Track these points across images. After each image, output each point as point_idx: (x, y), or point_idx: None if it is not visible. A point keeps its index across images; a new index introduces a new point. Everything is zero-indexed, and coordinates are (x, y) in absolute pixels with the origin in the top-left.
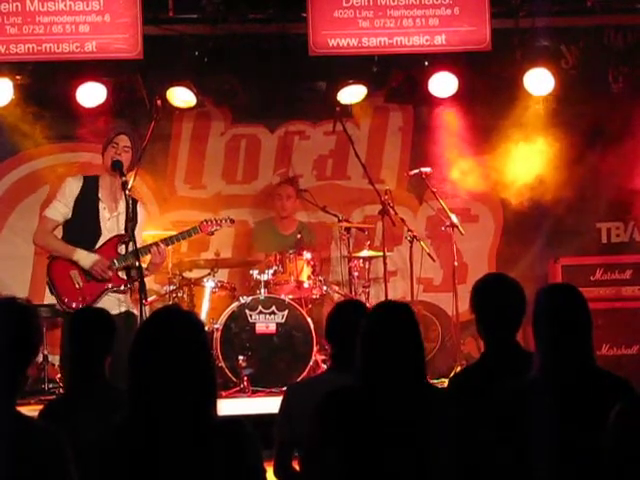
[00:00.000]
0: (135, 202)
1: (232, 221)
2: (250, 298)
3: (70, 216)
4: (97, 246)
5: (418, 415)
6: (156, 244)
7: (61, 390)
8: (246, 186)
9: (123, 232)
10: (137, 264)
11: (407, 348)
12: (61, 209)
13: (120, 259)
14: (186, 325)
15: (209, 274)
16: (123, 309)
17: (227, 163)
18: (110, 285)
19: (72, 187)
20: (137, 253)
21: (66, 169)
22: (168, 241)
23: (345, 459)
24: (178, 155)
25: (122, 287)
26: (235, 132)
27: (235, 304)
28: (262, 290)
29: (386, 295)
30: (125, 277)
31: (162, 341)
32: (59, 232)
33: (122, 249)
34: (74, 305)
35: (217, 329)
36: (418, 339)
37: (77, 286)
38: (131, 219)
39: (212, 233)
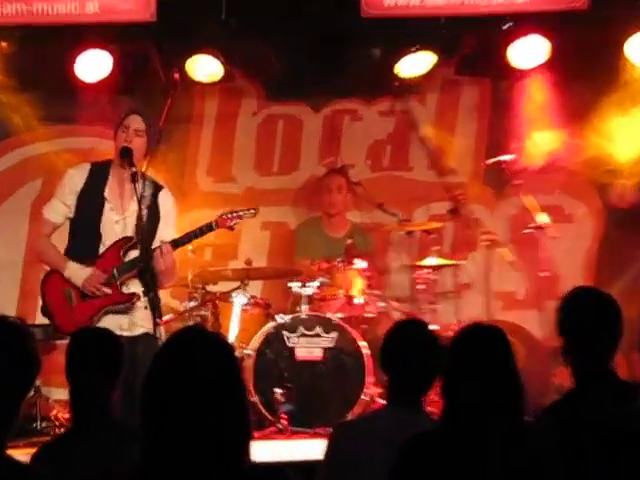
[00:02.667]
0: (157, 189)
1: (255, 211)
2: (289, 317)
3: (73, 215)
4: (100, 253)
5: (523, 463)
6: (158, 246)
7: (57, 430)
8: (285, 178)
9: (130, 235)
10: (147, 274)
11: (506, 384)
12: (60, 209)
13: (122, 268)
14: (211, 350)
15: (238, 287)
16: (140, 331)
17: (261, 150)
18: (108, 303)
19: (73, 180)
20: (146, 259)
21: (63, 158)
22: (178, 242)
23: None
24: (200, 140)
25: (124, 304)
26: (270, 112)
27: (271, 324)
28: (304, 307)
29: (458, 313)
30: (135, 290)
31: (181, 370)
32: (64, 235)
33: (129, 256)
34: (67, 329)
35: (249, 355)
36: (517, 375)
37: (71, 305)
38: (143, 218)
39: (232, 227)
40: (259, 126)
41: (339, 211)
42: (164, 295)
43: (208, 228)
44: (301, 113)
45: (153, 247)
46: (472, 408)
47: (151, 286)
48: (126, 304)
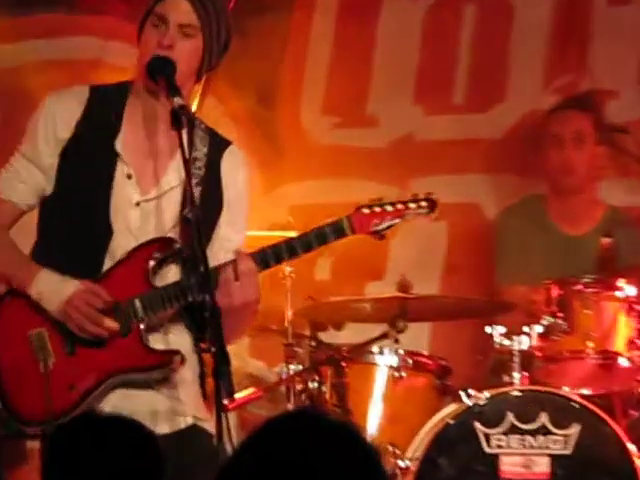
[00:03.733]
0: (220, 145)
1: (432, 204)
2: (486, 394)
3: (51, 191)
4: (106, 268)
5: None
6: (228, 262)
7: None
8: (473, 119)
9: (170, 234)
10: (204, 314)
11: None
12: (30, 177)
13: (152, 299)
14: (338, 460)
15: (385, 336)
16: (186, 422)
17: (427, 65)
18: (122, 366)
19: (56, 119)
20: (202, 284)
21: (38, 75)
22: (270, 256)
23: None
24: (309, 45)
25: (153, 371)
26: None
27: (450, 408)
28: (516, 375)
29: None
30: (177, 345)
31: None
32: (32, 228)
33: (164, 276)
34: (38, 417)
35: (407, 469)
36: None
37: (45, 368)
38: (196, 201)
39: (381, 235)
40: (426, 18)
41: (581, 184)
42: (237, 352)
43: (335, 232)
44: None
45: (216, 262)
46: None
47: (213, 337)
48: (157, 371)
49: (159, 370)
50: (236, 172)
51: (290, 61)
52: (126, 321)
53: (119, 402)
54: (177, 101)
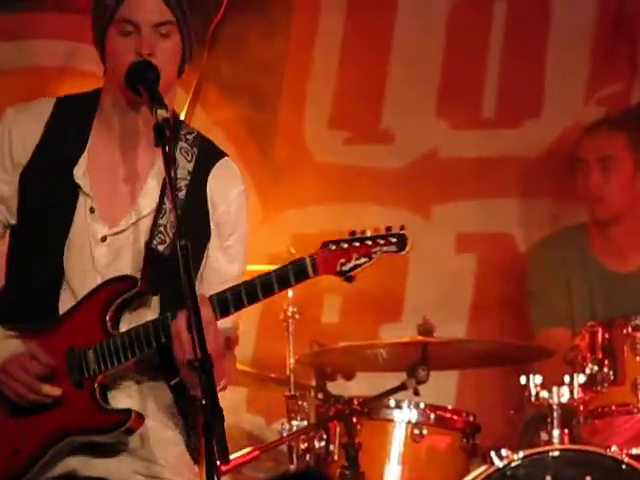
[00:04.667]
0: (209, 159)
1: (402, 240)
2: (521, 455)
3: (14, 220)
4: (65, 310)
5: None
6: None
7: None
8: (505, 135)
9: (138, 274)
10: (201, 358)
11: None
12: None
13: (108, 350)
14: None
15: (402, 387)
16: None
17: (452, 72)
18: (75, 426)
19: (16, 137)
20: (197, 323)
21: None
22: (231, 299)
23: None
24: (314, 47)
25: (111, 432)
26: None
27: (479, 472)
28: (556, 432)
29: None
30: (132, 402)
31: None
32: None
33: (130, 321)
34: None
35: None
36: None
37: None
38: (182, 220)
39: (349, 277)
40: (450, 16)
41: (617, 213)
42: (232, 406)
43: (297, 274)
44: None
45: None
46: None
47: (203, 388)
48: (109, 434)
49: (110, 433)
50: (227, 189)
51: (292, 67)
52: (79, 373)
53: (80, 468)
54: (161, 114)
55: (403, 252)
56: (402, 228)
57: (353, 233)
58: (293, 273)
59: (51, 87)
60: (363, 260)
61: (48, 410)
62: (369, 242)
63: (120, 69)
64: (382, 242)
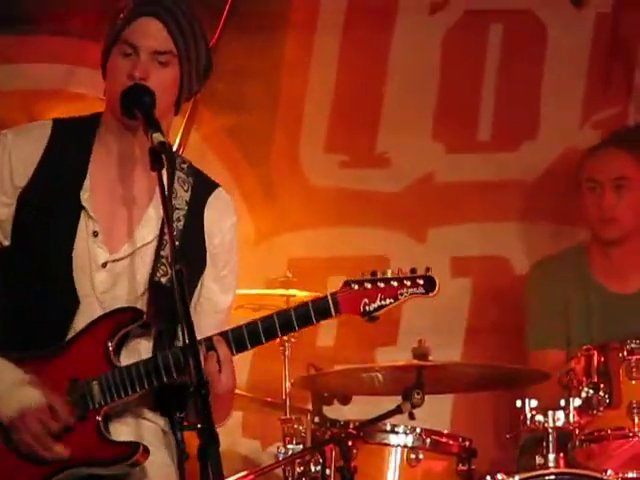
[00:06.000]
0: (204, 190)
1: (431, 283)
2: (517, 479)
3: (8, 243)
4: (66, 340)
5: None
6: (201, 342)
7: None
8: (502, 157)
9: (140, 302)
10: (196, 387)
11: None
12: None
13: (114, 382)
14: None
15: (398, 410)
16: None
17: (448, 93)
18: (76, 460)
19: (14, 161)
20: (194, 351)
21: None
22: (247, 336)
23: None
24: (310, 70)
25: (112, 466)
26: (473, 4)
27: None
28: (551, 457)
29: None
30: (136, 436)
31: None
32: None
33: (131, 353)
34: None
35: None
36: None
37: None
38: (181, 250)
39: (373, 317)
40: (447, 36)
41: (625, 235)
42: (227, 429)
43: (318, 312)
44: (545, 6)
45: (201, 329)
46: None
47: (199, 413)
48: (114, 466)
49: (114, 466)
50: (222, 220)
51: (287, 89)
52: (83, 404)
53: None
54: (157, 137)
55: (431, 294)
56: (428, 270)
57: (374, 273)
58: (315, 311)
59: (48, 110)
60: (389, 301)
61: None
62: (395, 283)
63: (113, 87)
64: (409, 284)
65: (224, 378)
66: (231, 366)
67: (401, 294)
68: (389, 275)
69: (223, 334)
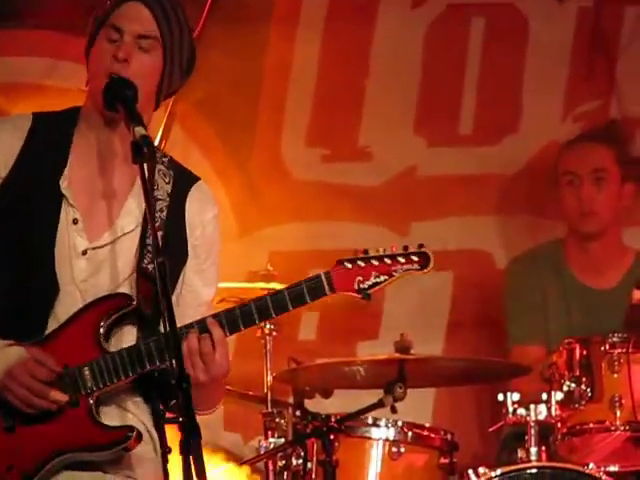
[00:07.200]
0: (185, 182)
1: (425, 258)
2: (498, 472)
3: None
4: (51, 330)
5: None
6: (192, 325)
7: None
8: (483, 152)
9: (122, 287)
10: (177, 377)
11: None
12: None
13: (105, 367)
14: None
15: (380, 404)
16: None
17: (429, 86)
18: (69, 444)
19: None
20: (176, 343)
21: None
22: (236, 320)
23: None
24: (292, 63)
25: (105, 450)
26: None
27: None
28: (533, 450)
29: None
30: (133, 420)
31: None
32: None
33: (119, 338)
34: None
35: None
36: None
37: None
38: (164, 244)
39: (367, 294)
40: (429, 30)
41: (603, 228)
42: (209, 423)
43: (312, 291)
44: (526, 3)
45: (183, 318)
46: None
47: (181, 405)
48: (108, 451)
49: (110, 450)
50: (203, 212)
51: (269, 82)
52: (75, 391)
53: None
54: (139, 131)
55: (426, 270)
56: (421, 246)
57: (366, 252)
58: (308, 290)
59: (30, 104)
60: (383, 278)
61: (43, 426)
62: (388, 260)
63: (96, 78)
64: (403, 260)
65: (218, 358)
66: (225, 347)
67: (395, 271)
68: (381, 252)
69: (216, 316)
